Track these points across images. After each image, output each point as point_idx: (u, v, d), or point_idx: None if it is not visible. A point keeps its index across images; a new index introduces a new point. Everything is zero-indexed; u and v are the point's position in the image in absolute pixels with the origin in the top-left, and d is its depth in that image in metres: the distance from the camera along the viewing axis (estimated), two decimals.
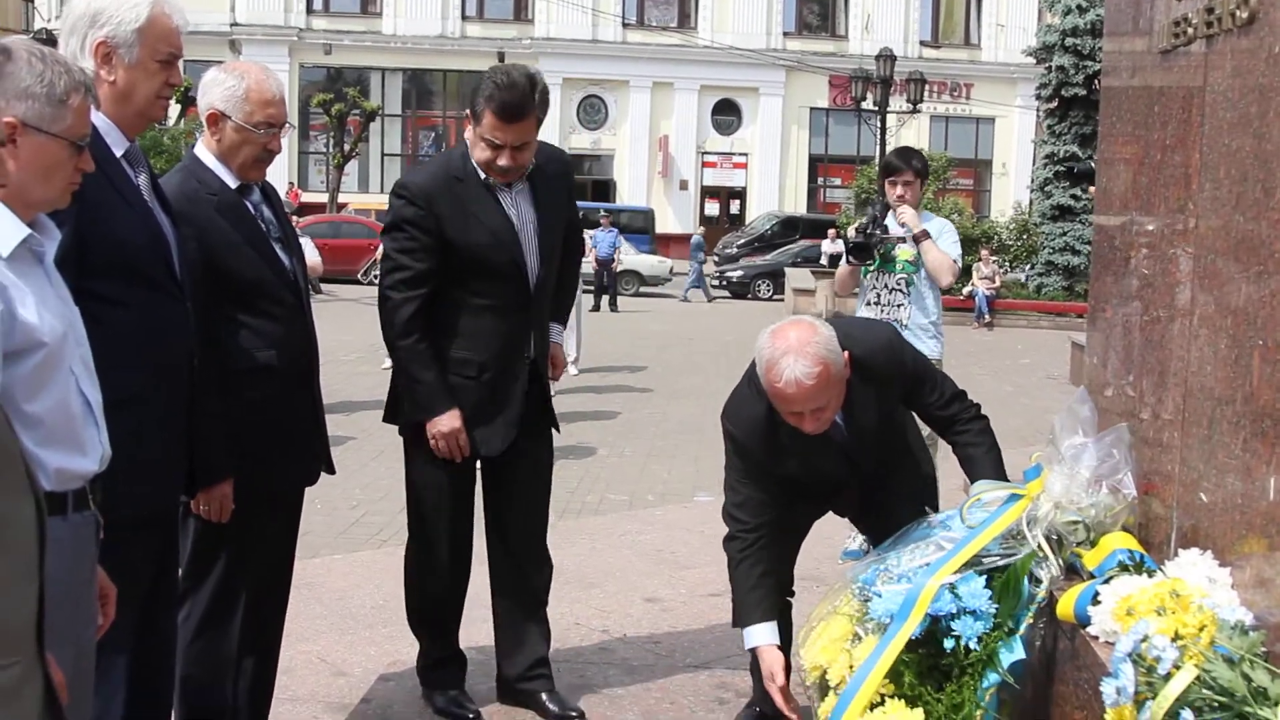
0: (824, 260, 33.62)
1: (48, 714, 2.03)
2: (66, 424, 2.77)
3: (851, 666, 3.83)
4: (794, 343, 3.98)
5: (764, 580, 4.36)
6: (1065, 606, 3.52)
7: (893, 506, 4.40)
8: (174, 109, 33.43)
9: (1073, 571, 3.73)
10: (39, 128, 2.77)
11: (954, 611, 3.69)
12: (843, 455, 4.37)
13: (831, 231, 34.84)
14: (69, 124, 2.82)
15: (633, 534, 8.78)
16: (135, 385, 3.34)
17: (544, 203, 4.86)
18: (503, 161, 4.67)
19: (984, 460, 4.28)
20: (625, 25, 47.04)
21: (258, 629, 4.44)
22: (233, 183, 4.15)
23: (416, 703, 4.93)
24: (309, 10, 46.37)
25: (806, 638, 4.15)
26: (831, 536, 8.55)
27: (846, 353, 4.08)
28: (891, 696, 3.71)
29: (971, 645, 3.65)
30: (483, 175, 4.75)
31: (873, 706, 3.71)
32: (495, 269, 4.75)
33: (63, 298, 2.83)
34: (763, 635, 4.30)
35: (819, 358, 3.95)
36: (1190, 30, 3.52)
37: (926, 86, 34.38)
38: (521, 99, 4.61)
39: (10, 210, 2.69)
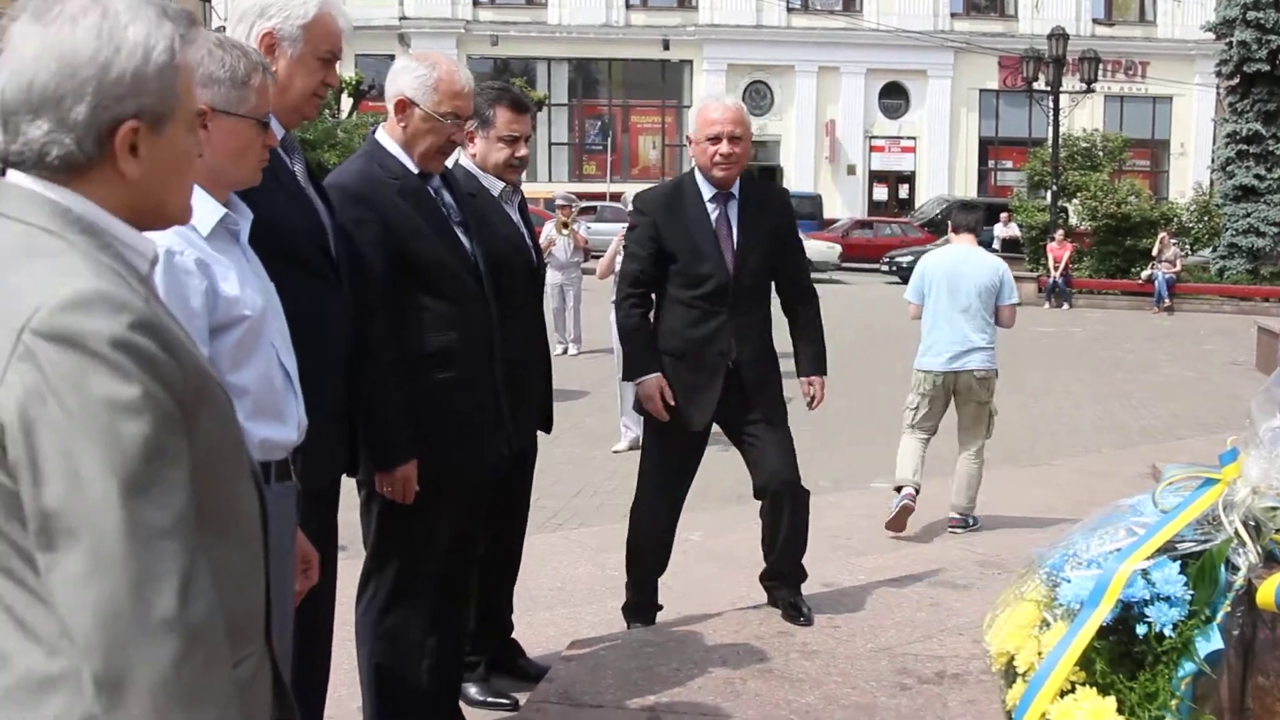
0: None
1: (276, 698, 2.07)
2: (270, 395, 2.86)
3: (1040, 653, 3.77)
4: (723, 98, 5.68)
5: (649, 339, 5.54)
6: (1265, 595, 3.41)
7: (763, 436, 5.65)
8: (346, 103, 34.10)
9: (1272, 559, 3.62)
10: (227, 110, 2.88)
11: (1147, 598, 3.61)
12: (718, 244, 5.48)
13: (1004, 215, 34.20)
14: (253, 104, 2.94)
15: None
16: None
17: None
18: (522, 152, 5.07)
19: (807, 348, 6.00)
20: (790, 10, 46.75)
21: (443, 610, 4.51)
22: (414, 169, 4.23)
23: (598, 682, 4.98)
24: (475, 3, 46.94)
25: (992, 623, 4.09)
26: (1013, 519, 8.45)
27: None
28: (1082, 684, 3.64)
29: (1166, 632, 3.57)
30: (497, 189, 5.06)
31: (1063, 694, 3.65)
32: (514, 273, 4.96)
33: (259, 273, 2.93)
34: (654, 376, 5.45)
35: (740, 105, 5.59)
36: None
37: (1100, 65, 33.59)
38: (522, 94, 5.20)
39: (206, 192, 2.78)
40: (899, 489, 8.47)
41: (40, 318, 1.67)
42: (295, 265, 3.43)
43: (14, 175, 1.85)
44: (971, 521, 8.56)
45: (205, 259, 2.74)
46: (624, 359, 5.74)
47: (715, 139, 5.44)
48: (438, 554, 4.39)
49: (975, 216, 9.15)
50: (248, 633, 1.94)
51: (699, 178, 5.59)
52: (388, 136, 4.28)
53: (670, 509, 5.78)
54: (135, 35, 1.82)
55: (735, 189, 5.57)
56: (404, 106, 4.23)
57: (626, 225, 6.03)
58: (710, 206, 5.54)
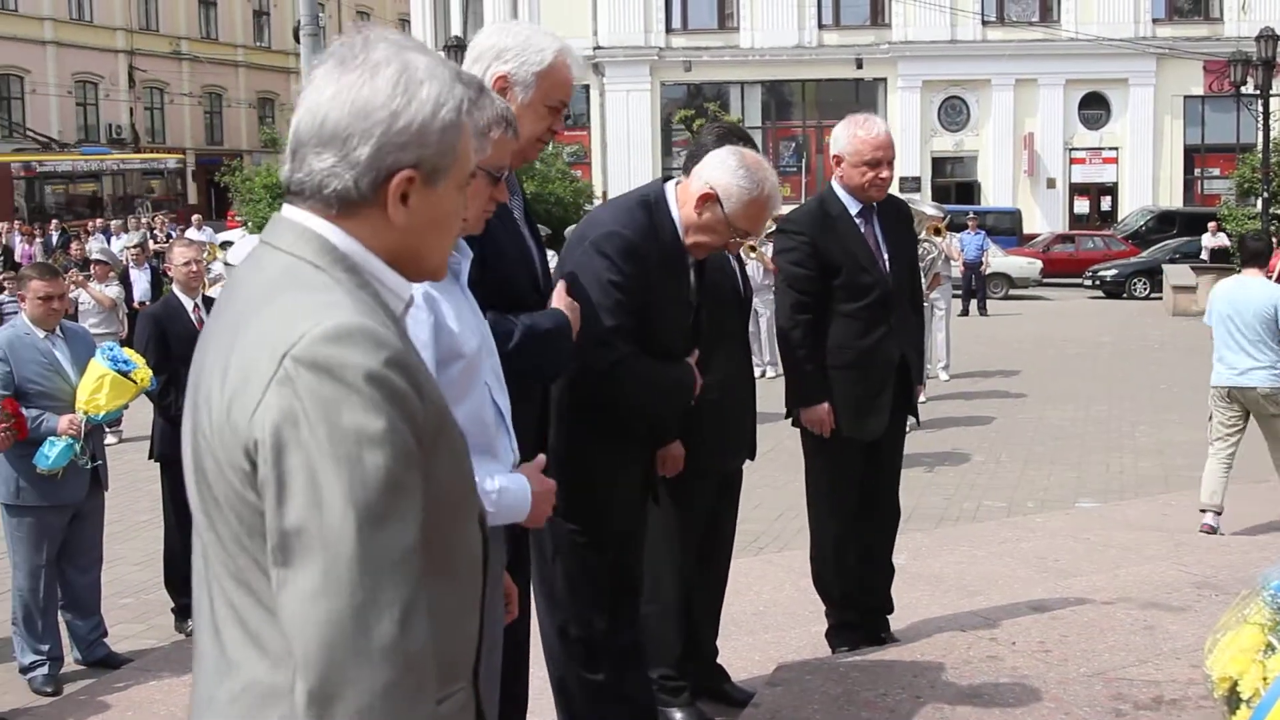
0: (1204, 255, 31.98)
1: None
2: (483, 432, 2.92)
3: (1266, 678, 3.64)
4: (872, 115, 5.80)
5: (821, 365, 5.60)
6: None
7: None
8: None
9: None
10: None
11: None
12: (875, 254, 5.64)
13: (1212, 225, 33.15)
14: (488, 155, 2.99)
15: (1013, 541, 8.60)
16: None
17: None
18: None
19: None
20: (985, 23, 46.00)
21: (613, 637, 4.49)
22: (683, 238, 4.35)
23: (805, 707, 4.94)
24: (668, 29, 47.19)
25: (1213, 647, 3.96)
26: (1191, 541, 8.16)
27: None
28: None
29: None
30: None
31: None
32: None
33: (475, 311, 2.99)
34: (824, 405, 5.57)
35: (888, 127, 5.72)
36: None
37: None
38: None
39: None
40: (1203, 510, 9.21)
41: (303, 345, 1.76)
42: (509, 303, 3.51)
43: (288, 210, 1.97)
44: None
45: (431, 294, 2.81)
46: (792, 384, 5.75)
47: (875, 164, 5.57)
48: (602, 582, 4.37)
49: (1256, 247, 10.13)
50: (457, 670, 1.99)
51: (841, 194, 5.71)
52: (675, 200, 4.36)
53: (844, 526, 5.81)
54: (428, 91, 1.94)
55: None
56: (710, 200, 4.30)
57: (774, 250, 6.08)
58: (858, 221, 5.69)
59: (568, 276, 3.85)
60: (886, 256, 5.71)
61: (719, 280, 5.02)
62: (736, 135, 5.19)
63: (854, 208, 5.67)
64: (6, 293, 15.45)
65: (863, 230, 5.68)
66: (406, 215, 1.95)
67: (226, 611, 1.88)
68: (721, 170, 4.31)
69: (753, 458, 5.41)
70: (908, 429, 6.12)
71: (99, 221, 34.66)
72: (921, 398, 6.25)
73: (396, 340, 1.84)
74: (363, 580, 1.73)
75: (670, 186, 4.42)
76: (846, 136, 5.64)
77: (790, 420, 5.80)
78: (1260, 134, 31.71)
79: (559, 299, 3.68)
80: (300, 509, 1.74)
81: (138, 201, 43.34)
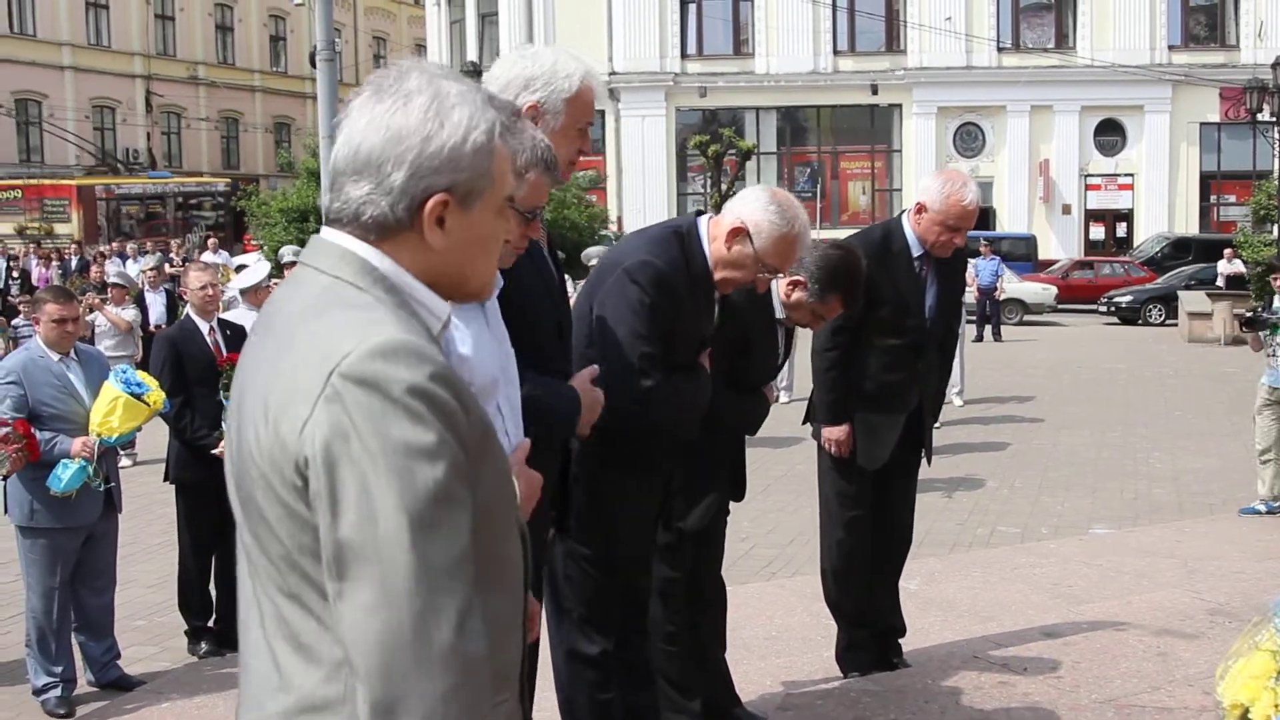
0: (1220, 282, 31.91)
1: None
2: None
3: (1277, 705, 3.62)
4: (970, 178, 5.66)
5: (848, 387, 5.70)
6: None
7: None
8: None
9: None
10: None
11: None
12: (923, 300, 5.71)
13: (1228, 251, 33.08)
14: (523, 195, 3.01)
15: (1026, 567, 8.58)
16: None
17: None
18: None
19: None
20: (1000, 50, 46.01)
21: (622, 658, 4.47)
22: (710, 270, 4.34)
23: None
24: (683, 55, 47.26)
25: (1225, 674, 3.94)
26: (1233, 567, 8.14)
27: None
28: None
29: None
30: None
31: None
32: None
33: (499, 339, 3.00)
34: (845, 426, 5.70)
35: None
36: None
37: None
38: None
39: None
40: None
41: (349, 362, 1.81)
42: (528, 338, 3.50)
43: (327, 232, 2.02)
44: None
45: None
46: (820, 403, 5.81)
47: (955, 230, 5.58)
48: (613, 604, 4.35)
49: None
50: (508, 678, 2.01)
51: (909, 233, 5.70)
52: (707, 233, 4.36)
53: (854, 541, 5.82)
54: (459, 116, 1.99)
55: None
56: (740, 235, 4.29)
57: None
58: (917, 264, 5.71)
59: (564, 305, 3.84)
60: (932, 304, 5.78)
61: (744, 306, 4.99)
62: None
63: (917, 249, 5.69)
64: (22, 316, 15.51)
65: (919, 272, 5.74)
66: (443, 238, 1.99)
67: (277, 627, 1.91)
68: (753, 206, 4.31)
69: (740, 498, 5.29)
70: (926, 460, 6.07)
71: (115, 245, 34.83)
72: (935, 423, 6.19)
73: (440, 355, 1.89)
74: (418, 589, 1.76)
75: (703, 220, 4.42)
76: (940, 192, 5.58)
77: (804, 422, 5.96)
78: (1276, 160, 31.65)
79: (581, 384, 3.64)
80: (354, 522, 1.78)
81: (192, 226, 44.41)
